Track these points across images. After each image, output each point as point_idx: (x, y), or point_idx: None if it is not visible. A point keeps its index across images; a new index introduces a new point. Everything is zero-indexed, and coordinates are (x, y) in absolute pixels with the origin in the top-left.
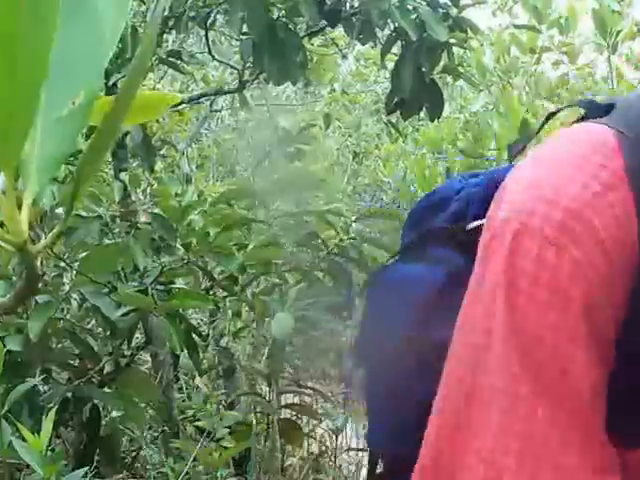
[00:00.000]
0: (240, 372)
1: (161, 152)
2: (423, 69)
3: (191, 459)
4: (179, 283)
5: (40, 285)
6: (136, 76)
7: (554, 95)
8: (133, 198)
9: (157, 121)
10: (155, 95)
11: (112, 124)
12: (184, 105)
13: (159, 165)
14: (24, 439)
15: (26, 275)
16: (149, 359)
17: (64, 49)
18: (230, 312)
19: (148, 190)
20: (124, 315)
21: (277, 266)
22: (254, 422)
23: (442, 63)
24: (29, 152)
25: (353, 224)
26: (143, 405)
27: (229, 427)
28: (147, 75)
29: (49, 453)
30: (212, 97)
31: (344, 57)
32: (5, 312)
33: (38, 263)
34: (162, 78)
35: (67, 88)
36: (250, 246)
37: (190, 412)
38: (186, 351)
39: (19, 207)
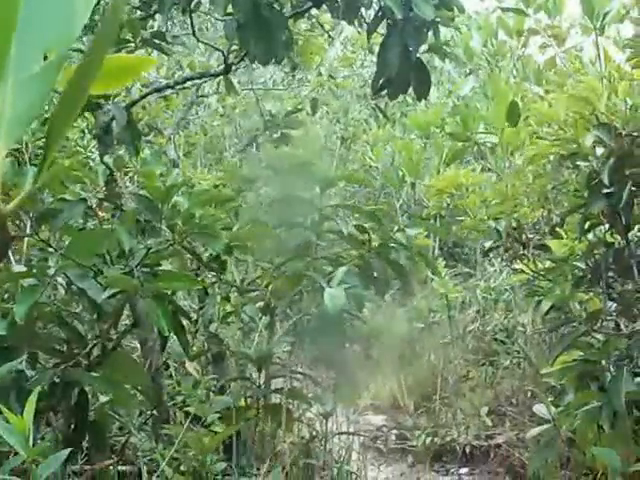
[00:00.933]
0: (230, 357)
1: (147, 138)
2: (410, 48)
3: (177, 443)
4: (165, 266)
5: (25, 269)
6: (103, 39)
7: (542, 78)
8: (118, 181)
9: (143, 107)
10: (132, 58)
11: (80, 82)
12: (170, 91)
13: (146, 152)
14: (8, 422)
15: None
16: (138, 346)
17: (34, 9)
18: (219, 297)
19: (135, 177)
20: (110, 298)
21: (315, 252)
22: (244, 407)
23: (428, 43)
24: (0, 110)
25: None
26: (132, 390)
27: (219, 412)
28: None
29: (39, 442)
30: (198, 82)
31: (331, 42)
32: None
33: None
34: None
35: (38, 46)
36: (235, 227)
37: (180, 398)
38: (174, 335)
39: None
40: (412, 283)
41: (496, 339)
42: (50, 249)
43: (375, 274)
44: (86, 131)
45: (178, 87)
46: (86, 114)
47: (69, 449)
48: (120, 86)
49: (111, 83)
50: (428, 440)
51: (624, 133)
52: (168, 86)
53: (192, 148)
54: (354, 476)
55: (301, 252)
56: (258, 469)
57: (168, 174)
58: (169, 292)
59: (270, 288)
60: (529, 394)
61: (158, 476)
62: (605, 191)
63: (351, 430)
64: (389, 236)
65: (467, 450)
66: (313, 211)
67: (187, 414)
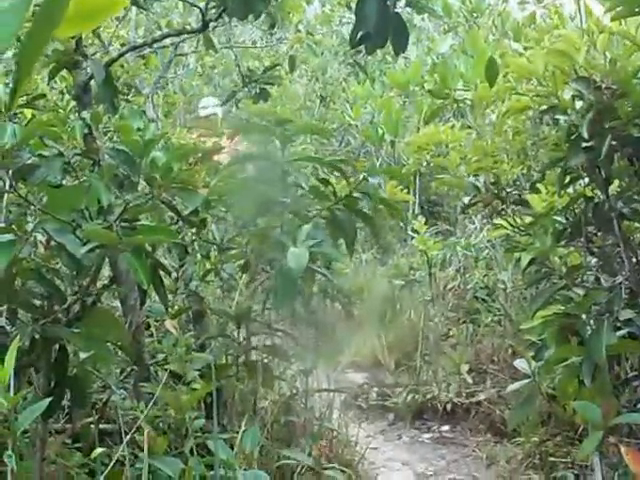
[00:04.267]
0: (210, 315)
1: (126, 97)
2: (387, 2)
3: (157, 401)
4: (144, 221)
5: (4, 224)
6: None
7: (521, 34)
8: (96, 137)
9: (121, 66)
10: None
11: (48, 16)
12: (149, 50)
13: (124, 111)
14: None
15: None
16: (119, 305)
17: None
18: (199, 255)
19: (114, 136)
20: (89, 252)
21: (280, 210)
22: (225, 365)
23: None
24: None
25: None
26: (112, 346)
27: (199, 370)
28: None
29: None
30: (177, 40)
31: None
32: None
33: None
34: (123, 19)
35: None
36: (212, 182)
37: (161, 356)
38: (153, 289)
39: None
40: (381, 232)
41: (477, 297)
42: (29, 205)
43: (343, 226)
44: (65, 92)
45: (156, 45)
46: (64, 74)
47: (49, 399)
48: (91, 27)
49: (82, 24)
50: (409, 398)
51: (603, 86)
52: (146, 44)
53: (172, 108)
54: (335, 433)
55: (266, 209)
56: (239, 426)
57: (146, 129)
58: (149, 247)
59: (249, 246)
60: (510, 352)
61: (139, 434)
62: (584, 145)
63: (332, 388)
64: (353, 186)
65: (448, 407)
66: (276, 167)
67: (168, 372)
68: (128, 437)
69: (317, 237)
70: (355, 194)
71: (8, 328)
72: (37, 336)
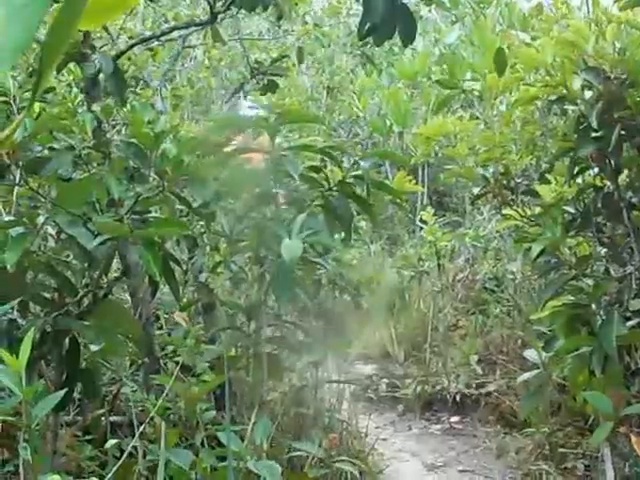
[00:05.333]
0: (220, 308)
1: (134, 90)
2: None
3: (167, 393)
4: (155, 213)
5: (15, 217)
6: None
7: (528, 25)
8: (106, 129)
9: (129, 58)
10: None
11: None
12: (157, 42)
13: (133, 104)
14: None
15: None
16: (129, 298)
17: None
18: (208, 247)
19: (123, 129)
20: (101, 245)
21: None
22: (235, 357)
23: None
24: None
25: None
26: (122, 339)
27: (209, 362)
28: None
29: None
30: (185, 33)
31: None
32: None
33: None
34: (131, 12)
35: None
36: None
37: (170, 348)
38: (165, 280)
39: None
40: (379, 216)
41: (486, 288)
42: (40, 198)
43: (339, 212)
44: (73, 84)
45: (164, 38)
46: (72, 67)
47: (63, 390)
48: (107, 21)
49: (98, 18)
50: (419, 389)
51: (612, 76)
52: (155, 36)
53: (179, 101)
54: (345, 424)
55: (261, 200)
56: (249, 418)
57: (156, 121)
58: (159, 239)
59: (258, 238)
60: (519, 342)
61: (150, 426)
62: (594, 135)
63: (341, 379)
64: (346, 172)
65: (457, 398)
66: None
67: (178, 364)
68: (141, 429)
69: (313, 226)
70: (349, 180)
71: (20, 321)
72: (48, 329)
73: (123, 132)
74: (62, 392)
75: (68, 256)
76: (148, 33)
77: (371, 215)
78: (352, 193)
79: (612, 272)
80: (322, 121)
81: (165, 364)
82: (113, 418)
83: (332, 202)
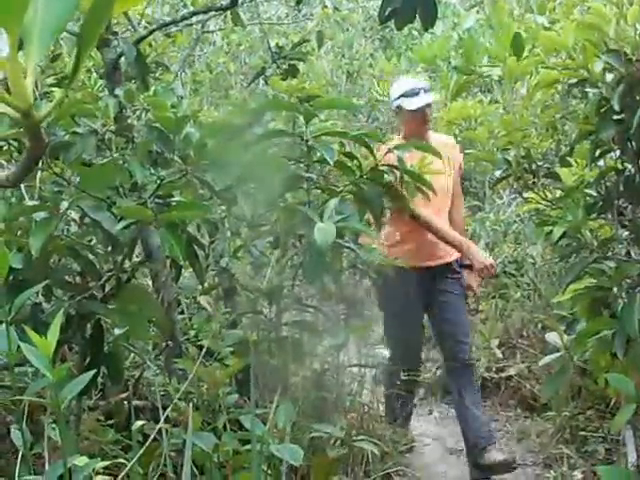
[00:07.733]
0: (241, 292)
1: (155, 75)
2: None
3: (190, 377)
4: (177, 197)
5: (39, 202)
6: None
7: (545, 8)
8: (129, 114)
9: (149, 44)
10: None
11: None
12: (176, 28)
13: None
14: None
15: (30, 145)
16: (150, 283)
17: None
18: (229, 232)
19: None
20: (124, 229)
21: (307, 184)
22: (256, 341)
23: None
24: (32, 17)
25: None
26: (146, 322)
27: (231, 346)
28: None
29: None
30: (204, 17)
31: None
32: (11, 184)
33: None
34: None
35: None
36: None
37: (192, 332)
38: (189, 263)
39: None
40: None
41: (505, 271)
42: (63, 182)
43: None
44: (93, 70)
45: (184, 23)
46: (91, 53)
47: (90, 372)
48: (133, 7)
49: (125, 3)
50: (439, 373)
51: (634, 59)
52: (175, 21)
53: (198, 86)
54: (366, 408)
55: (292, 185)
56: (270, 402)
57: (179, 105)
58: (182, 223)
59: (278, 223)
60: (539, 326)
61: (173, 410)
62: (615, 117)
63: (362, 362)
64: (378, 159)
65: (478, 382)
66: (300, 143)
67: (200, 349)
68: (166, 413)
69: (344, 212)
70: (381, 167)
71: (44, 305)
72: (73, 312)
73: (143, 117)
74: (90, 374)
75: (90, 240)
76: (167, 18)
77: (402, 203)
78: (384, 181)
79: (633, 255)
80: (358, 108)
81: (187, 348)
82: (135, 402)
83: (364, 189)
